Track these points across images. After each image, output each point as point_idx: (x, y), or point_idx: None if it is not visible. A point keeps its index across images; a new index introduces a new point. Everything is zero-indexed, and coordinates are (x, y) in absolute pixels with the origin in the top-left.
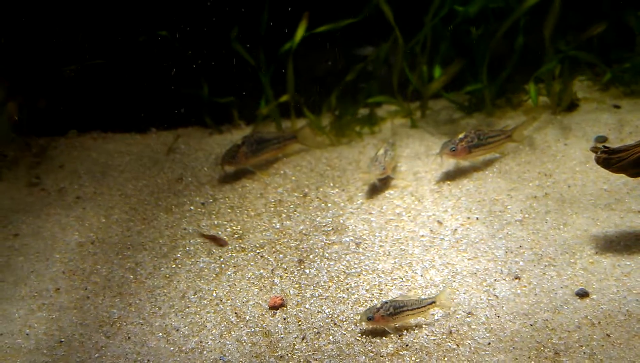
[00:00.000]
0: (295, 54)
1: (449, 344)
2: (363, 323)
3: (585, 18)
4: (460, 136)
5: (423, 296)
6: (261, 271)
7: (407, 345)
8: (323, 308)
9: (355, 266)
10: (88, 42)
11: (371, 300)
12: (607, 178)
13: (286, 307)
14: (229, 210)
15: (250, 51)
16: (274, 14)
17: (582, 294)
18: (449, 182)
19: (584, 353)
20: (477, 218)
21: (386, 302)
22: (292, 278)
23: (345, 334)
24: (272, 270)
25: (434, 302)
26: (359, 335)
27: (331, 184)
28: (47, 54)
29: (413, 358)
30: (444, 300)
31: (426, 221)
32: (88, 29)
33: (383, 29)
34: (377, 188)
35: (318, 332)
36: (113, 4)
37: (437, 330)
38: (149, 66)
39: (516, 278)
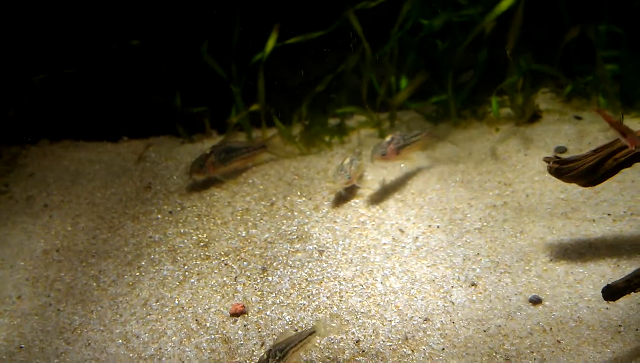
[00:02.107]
0: (267, 67)
1: (404, 350)
2: None
3: (548, 33)
4: (387, 139)
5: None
6: (224, 278)
7: (363, 351)
8: (284, 315)
9: (318, 273)
10: (60, 51)
11: (331, 307)
12: (565, 188)
13: (247, 314)
14: (196, 218)
15: (222, 61)
16: (246, 26)
17: (535, 301)
18: (413, 191)
19: (535, 359)
20: (438, 226)
21: (270, 350)
22: (254, 285)
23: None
24: (236, 277)
25: (314, 332)
26: (317, 342)
27: (298, 193)
28: (17, 63)
29: None
30: (323, 328)
31: (389, 230)
32: (60, 38)
33: (352, 41)
34: (343, 197)
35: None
36: (85, 13)
37: (394, 336)
38: (122, 76)
39: (472, 285)
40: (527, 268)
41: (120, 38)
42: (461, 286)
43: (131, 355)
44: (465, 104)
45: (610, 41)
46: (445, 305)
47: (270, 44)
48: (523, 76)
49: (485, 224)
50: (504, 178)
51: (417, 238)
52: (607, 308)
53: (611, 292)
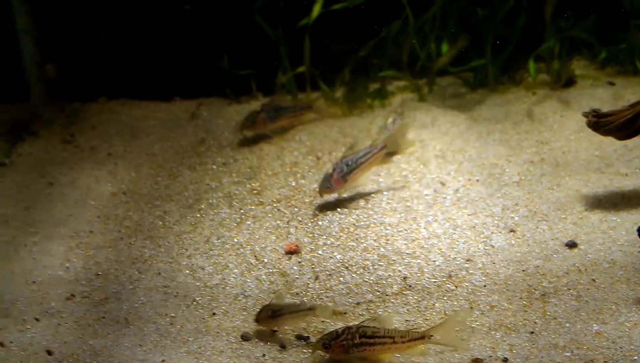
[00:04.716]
0: (312, 34)
1: (449, 286)
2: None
3: (583, 2)
4: (330, 171)
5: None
6: (278, 222)
7: (410, 286)
8: (334, 254)
9: (365, 219)
10: (118, 12)
11: (378, 248)
12: (599, 145)
13: (301, 253)
14: (248, 169)
15: (270, 25)
16: None
17: (571, 245)
18: (452, 149)
19: (571, 295)
20: (478, 180)
21: (265, 306)
22: (306, 228)
23: (354, 276)
24: (288, 221)
25: (313, 309)
26: (367, 277)
27: (343, 150)
28: (81, 20)
29: (415, 297)
30: (323, 311)
31: (430, 183)
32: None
33: (395, 7)
34: (385, 154)
35: (330, 274)
36: None
37: (438, 274)
38: (174, 38)
39: (511, 231)
40: (563, 216)
41: (174, 2)
42: (500, 232)
43: (198, 284)
44: (503, 70)
45: None
46: (486, 248)
47: (317, 9)
48: (560, 41)
49: (523, 178)
50: (541, 137)
51: (457, 190)
52: (639, 252)
53: None
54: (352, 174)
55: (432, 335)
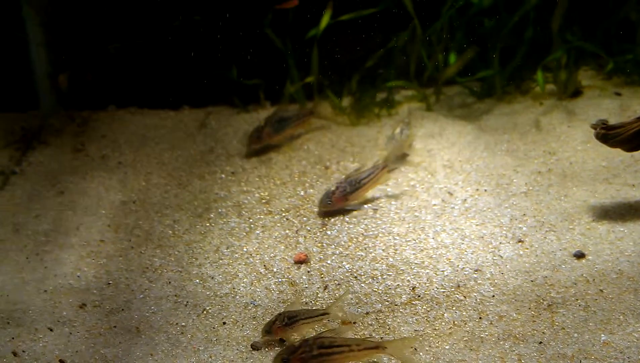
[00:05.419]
0: (320, 44)
1: (457, 296)
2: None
3: (590, 13)
4: (333, 188)
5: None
6: (287, 231)
7: (419, 296)
8: (343, 264)
9: (373, 229)
10: (128, 22)
11: (387, 258)
12: (606, 156)
13: (310, 262)
14: (256, 179)
15: (279, 36)
16: (300, 2)
17: (579, 255)
18: (460, 159)
19: (579, 305)
20: (486, 190)
21: (280, 314)
22: (315, 238)
23: (363, 286)
24: (297, 230)
25: (327, 314)
26: (376, 287)
27: (351, 159)
28: (91, 30)
29: (424, 307)
30: (336, 311)
31: (438, 192)
32: (131, 10)
33: (402, 18)
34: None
35: (339, 284)
36: None
37: (447, 284)
38: (183, 48)
39: (519, 241)
40: (571, 227)
41: (183, 13)
42: (509, 242)
43: (208, 293)
44: (510, 80)
45: None
46: (494, 258)
47: (325, 20)
48: (567, 51)
49: (531, 188)
50: (548, 148)
51: (465, 200)
52: None
53: None
54: (353, 194)
55: (385, 347)
